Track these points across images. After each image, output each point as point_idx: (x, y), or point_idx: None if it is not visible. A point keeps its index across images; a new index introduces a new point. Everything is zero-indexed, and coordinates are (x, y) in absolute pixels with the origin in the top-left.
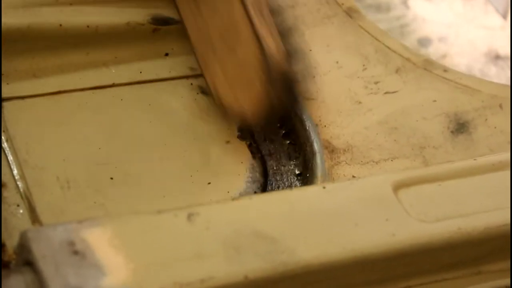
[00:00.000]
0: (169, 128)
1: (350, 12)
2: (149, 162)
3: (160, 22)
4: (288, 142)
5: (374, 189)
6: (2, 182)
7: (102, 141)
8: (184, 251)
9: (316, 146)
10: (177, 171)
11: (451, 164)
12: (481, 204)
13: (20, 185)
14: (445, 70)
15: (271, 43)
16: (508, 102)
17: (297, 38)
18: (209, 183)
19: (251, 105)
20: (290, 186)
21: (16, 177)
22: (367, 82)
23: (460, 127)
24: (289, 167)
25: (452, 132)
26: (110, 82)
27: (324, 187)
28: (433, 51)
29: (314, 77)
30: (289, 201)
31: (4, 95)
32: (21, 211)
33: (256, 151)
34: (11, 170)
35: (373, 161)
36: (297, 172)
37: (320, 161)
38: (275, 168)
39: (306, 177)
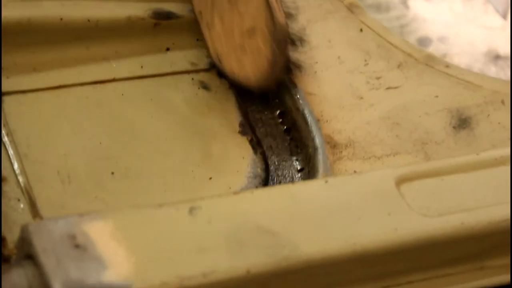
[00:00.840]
0: (170, 123)
1: (352, 8)
2: (150, 157)
3: (161, 16)
4: (289, 137)
5: (376, 183)
6: (2, 176)
7: (103, 135)
8: (185, 244)
9: (317, 141)
10: (178, 166)
11: (453, 159)
12: (483, 199)
13: (20, 180)
14: (447, 65)
15: (277, 6)
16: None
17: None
18: (211, 178)
19: (251, 61)
20: (291, 182)
21: (17, 171)
22: (369, 78)
23: (462, 122)
24: (291, 162)
25: (454, 127)
26: (111, 77)
27: (326, 181)
28: (433, 51)
29: (315, 72)
30: (291, 195)
31: (4, 89)
32: (21, 205)
33: (257, 146)
34: (12, 164)
35: (375, 157)
36: (298, 167)
37: (321, 157)
38: (276, 163)
39: (308, 173)
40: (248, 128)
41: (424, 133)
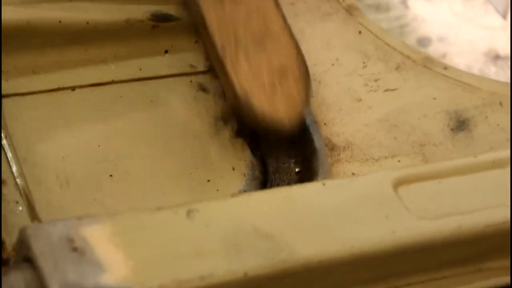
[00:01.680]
0: (168, 125)
1: (350, 10)
2: (149, 160)
3: (159, 19)
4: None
5: (374, 186)
6: (1, 179)
7: (101, 138)
8: (183, 248)
9: (315, 144)
10: (176, 168)
11: (451, 161)
12: (481, 202)
13: (19, 182)
14: (445, 67)
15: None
16: (508, 99)
17: None
18: (209, 180)
19: (285, 103)
20: (289, 184)
21: (15, 174)
22: (367, 80)
23: (460, 124)
24: (289, 164)
25: (452, 129)
26: (109, 79)
27: (324, 184)
28: (432, 51)
29: (313, 74)
30: (289, 198)
31: (3, 92)
32: (20, 208)
33: (255, 148)
34: (10, 167)
35: (373, 159)
36: (296, 170)
37: (320, 159)
38: (274, 166)
39: (306, 175)
40: (246, 130)
41: (422, 135)
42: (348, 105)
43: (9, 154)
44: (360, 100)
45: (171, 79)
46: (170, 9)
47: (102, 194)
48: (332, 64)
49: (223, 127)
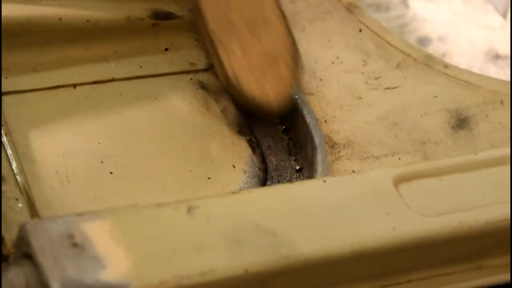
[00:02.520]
0: (168, 123)
1: (351, 8)
2: (149, 157)
3: (160, 16)
4: (288, 137)
5: (375, 183)
6: (1, 176)
7: (101, 135)
8: (184, 244)
9: (316, 141)
10: (177, 165)
11: (452, 159)
12: (482, 199)
13: (19, 179)
14: (446, 66)
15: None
16: (509, 98)
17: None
18: (209, 178)
19: (275, 88)
20: (290, 182)
21: (15, 171)
22: (367, 78)
23: (461, 122)
24: (289, 162)
25: (453, 127)
26: (110, 77)
27: (324, 181)
28: (432, 51)
29: (314, 72)
30: (290, 195)
31: (3, 89)
32: (20, 205)
33: (256, 146)
34: (10, 164)
35: (374, 156)
36: (297, 167)
37: (320, 156)
38: (275, 163)
39: (306, 172)
40: (246, 127)
41: (423, 133)
42: (348, 102)
43: (9, 151)
44: (360, 98)
45: (171, 77)
46: (170, 7)
47: (102, 191)
48: (333, 62)
49: (214, 104)
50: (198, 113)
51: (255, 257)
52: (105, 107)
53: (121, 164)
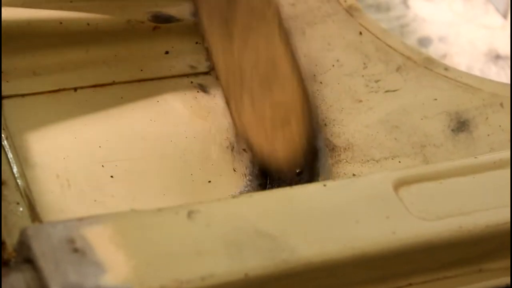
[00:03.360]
0: (169, 126)
1: (351, 11)
2: (149, 161)
3: (160, 20)
4: None
5: (375, 186)
6: (2, 180)
7: (102, 139)
8: (184, 248)
9: (316, 145)
10: (177, 169)
11: (452, 162)
12: (482, 202)
13: (20, 183)
14: (446, 68)
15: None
16: (509, 100)
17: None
18: (209, 181)
19: (285, 147)
20: (290, 185)
21: (16, 175)
22: (367, 81)
23: (461, 125)
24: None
25: (453, 130)
26: (110, 80)
27: (324, 185)
28: (433, 51)
29: (314, 75)
30: (290, 199)
31: (4, 93)
32: (20, 209)
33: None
34: (11, 168)
35: (374, 160)
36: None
37: (320, 160)
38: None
39: (306, 176)
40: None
41: (423, 136)
42: (348, 105)
43: (10, 155)
44: (360, 101)
45: (171, 80)
46: (171, 11)
47: (103, 195)
48: (333, 65)
49: (215, 107)
50: (198, 116)
51: (255, 261)
52: (105, 110)
53: (122, 168)
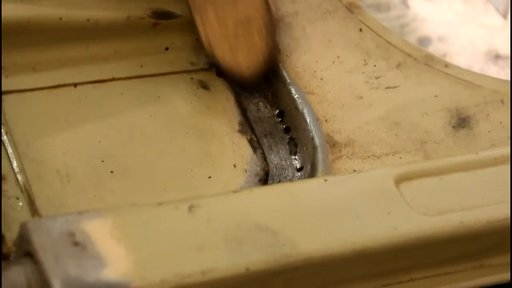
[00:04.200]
0: (169, 122)
1: (351, 7)
2: (150, 156)
3: (160, 16)
4: (289, 136)
5: (376, 182)
6: (1, 175)
7: (102, 135)
8: (185, 243)
9: (317, 141)
10: (177, 165)
11: (453, 158)
12: (483, 198)
13: (19, 178)
14: (446, 65)
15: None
16: (509, 97)
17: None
18: (210, 177)
19: (248, 58)
20: (291, 181)
21: (16, 170)
22: (368, 77)
23: (461, 122)
24: (290, 161)
25: (453, 127)
26: (110, 76)
27: (325, 180)
28: (433, 51)
29: (315, 71)
30: (291, 194)
31: (3, 88)
32: (20, 204)
33: (257, 145)
34: (11, 163)
35: (375, 156)
36: (298, 166)
37: (321, 156)
38: (275, 162)
39: (307, 172)
40: (247, 127)
41: (424, 133)
42: (349, 102)
43: (10, 150)
44: (361, 97)
45: (171, 76)
46: (170, 7)
47: (103, 190)
48: (333, 62)
49: (215, 103)
50: (198, 112)
51: (256, 256)
52: (105, 106)
53: (122, 163)
